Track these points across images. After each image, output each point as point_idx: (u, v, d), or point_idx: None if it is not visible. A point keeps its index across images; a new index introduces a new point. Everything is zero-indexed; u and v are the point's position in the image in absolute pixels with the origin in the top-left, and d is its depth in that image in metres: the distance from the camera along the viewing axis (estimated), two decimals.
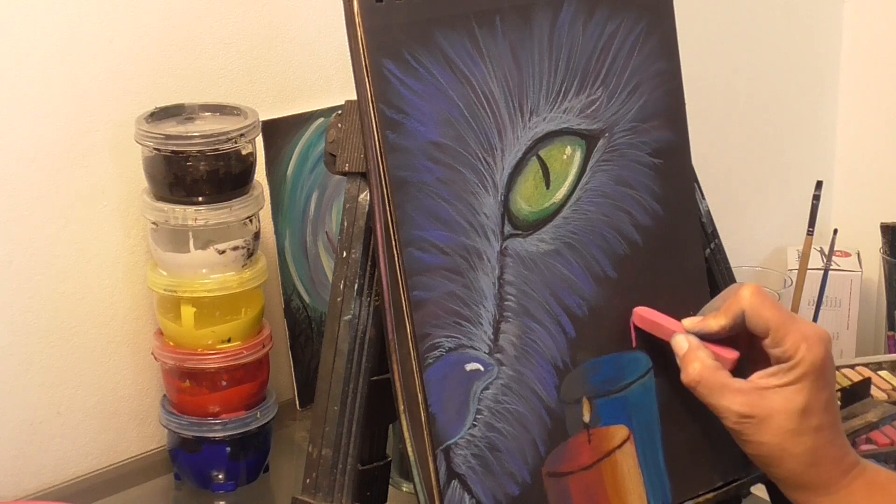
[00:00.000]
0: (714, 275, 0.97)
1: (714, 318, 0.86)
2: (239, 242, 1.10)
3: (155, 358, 1.14)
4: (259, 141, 1.15)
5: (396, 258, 0.80)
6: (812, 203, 1.44)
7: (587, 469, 0.87)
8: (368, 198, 0.84)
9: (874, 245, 1.58)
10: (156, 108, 1.11)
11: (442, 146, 0.82)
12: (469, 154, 0.83)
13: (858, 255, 1.61)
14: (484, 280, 0.84)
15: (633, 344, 0.91)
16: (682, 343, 0.86)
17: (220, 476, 1.14)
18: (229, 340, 1.11)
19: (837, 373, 1.29)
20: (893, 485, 0.85)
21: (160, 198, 1.09)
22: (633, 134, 0.91)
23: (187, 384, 1.12)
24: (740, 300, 0.85)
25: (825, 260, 1.53)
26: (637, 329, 0.91)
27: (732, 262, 1.00)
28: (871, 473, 0.85)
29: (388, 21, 0.80)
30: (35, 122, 1.10)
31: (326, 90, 1.27)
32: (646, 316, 0.90)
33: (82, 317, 1.16)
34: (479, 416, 0.83)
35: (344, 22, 0.80)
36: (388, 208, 0.80)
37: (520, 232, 0.86)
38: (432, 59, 0.82)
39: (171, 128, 1.09)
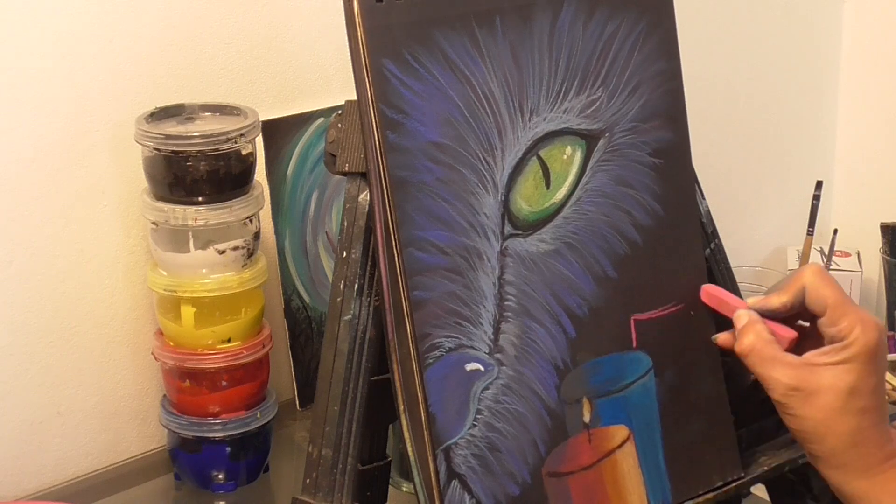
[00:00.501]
0: (714, 275, 0.97)
1: (776, 296, 0.88)
2: (239, 242, 1.10)
3: (155, 358, 1.14)
4: (259, 141, 1.15)
5: (396, 258, 0.80)
6: (812, 203, 1.44)
7: (587, 469, 0.87)
8: (368, 198, 0.84)
9: (874, 245, 1.58)
10: (156, 108, 1.11)
11: (442, 146, 0.82)
12: (469, 154, 0.83)
13: (858, 255, 1.61)
14: (484, 280, 0.84)
15: (634, 344, 0.91)
16: (743, 317, 0.88)
17: (220, 476, 1.14)
18: (229, 340, 1.11)
19: None
20: None
21: (160, 198, 1.09)
22: (633, 134, 0.91)
23: (187, 384, 1.12)
24: (802, 277, 0.87)
25: (825, 260, 1.53)
26: (637, 329, 0.91)
27: (732, 262, 1.00)
28: None
29: (388, 21, 0.80)
30: (35, 122, 1.10)
31: (326, 90, 1.27)
32: (712, 292, 0.92)
33: (82, 317, 1.16)
34: (479, 416, 0.83)
35: (344, 22, 0.80)
36: (388, 208, 0.80)
37: (520, 232, 0.86)
38: (432, 59, 0.82)
39: (171, 128, 1.09)
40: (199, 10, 1.17)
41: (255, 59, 1.22)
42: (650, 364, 0.91)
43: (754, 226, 1.68)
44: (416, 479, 0.82)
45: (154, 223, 1.10)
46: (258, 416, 1.14)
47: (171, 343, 1.12)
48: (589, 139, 0.89)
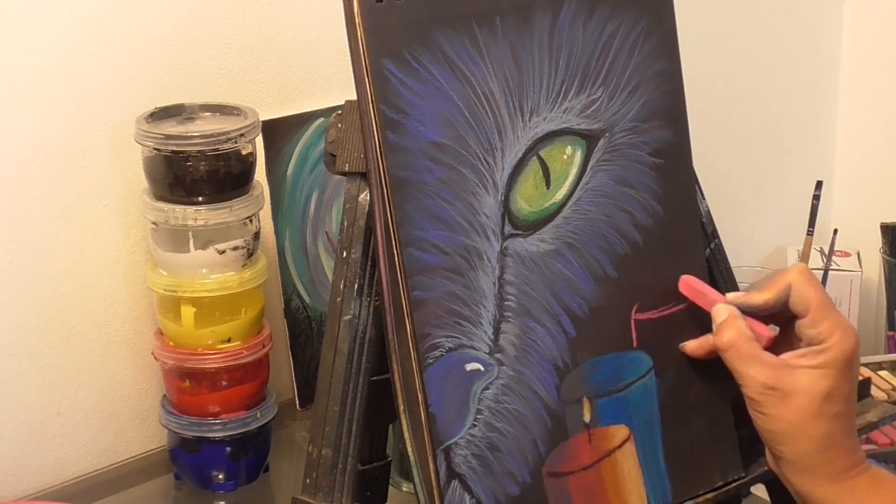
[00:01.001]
0: (714, 275, 0.97)
1: (759, 293, 0.88)
2: (239, 242, 1.10)
3: (155, 358, 1.14)
4: (259, 141, 1.15)
5: (396, 258, 0.80)
6: (812, 203, 1.44)
7: (587, 469, 0.87)
8: (368, 198, 0.84)
9: (874, 245, 1.58)
10: (156, 108, 1.11)
11: (442, 146, 0.82)
12: (469, 154, 0.83)
13: (858, 255, 1.61)
14: (484, 280, 0.84)
15: (634, 344, 0.91)
16: (723, 311, 0.88)
17: (220, 476, 1.14)
18: (229, 340, 1.11)
19: None
20: (895, 483, 0.86)
21: (160, 198, 1.09)
22: (633, 134, 0.91)
23: (187, 384, 1.12)
24: (788, 276, 0.87)
25: (825, 260, 1.53)
26: (637, 329, 0.91)
27: (732, 262, 1.00)
28: (875, 471, 0.86)
29: (388, 21, 0.80)
30: (35, 122, 1.10)
31: (326, 90, 1.27)
32: (691, 284, 0.91)
33: (82, 317, 1.16)
34: (479, 416, 0.83)
35: (344, 22, 0.80)
36: (388, 208, 0.80)
37: (520, 232, 0.86)
38: (432, 59, 0.82)
39: (171, 128, 1.09)
40: (199, 10, 1.17)
41: (255, 59, 1.22)
42: (651, 364, 0.91)
43: (754, 226, 1.68)
44: (416, 479, 0.82)
45: (154, 223, 1.10)
46: (258, 416, 1.14)
47: (171, 343, 1.12)
48: (589, 139, 0.89)
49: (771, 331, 0.88)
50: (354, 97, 0.81)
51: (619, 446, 0.89)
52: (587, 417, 0.88)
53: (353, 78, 0.80)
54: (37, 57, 1.09)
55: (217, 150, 1.07)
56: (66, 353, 1.15)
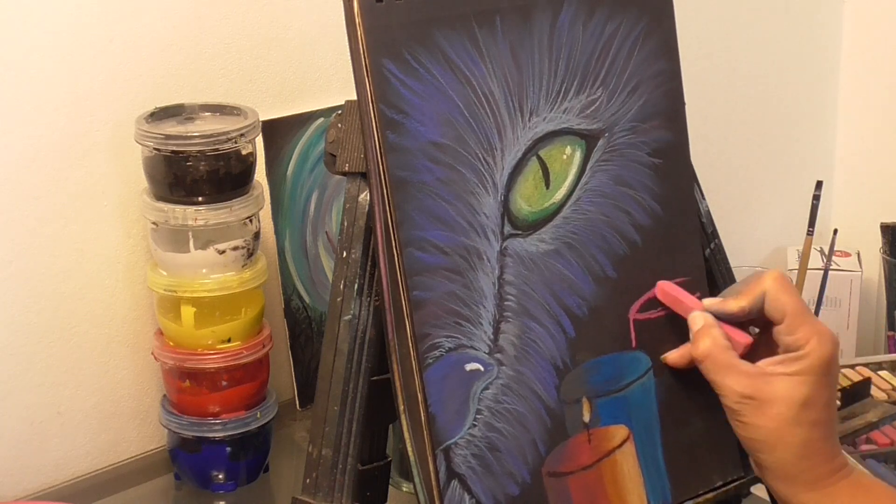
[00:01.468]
0: (714, 275, 0.97)
1: (734, 299, 0.87)
2: (239, 242, 1.10)
3: (155, 358, 1.14)
4: (259, 141, 1.15)
5: (396, 258, 0.80)
6: (812, 203, 1.44)
7: (587, 469, 0.87)
8: (368, 198, 0.84)
9: (874, 245, 1.58)
10: (156, 108, 1.11)
11: (442, 146, 0.82)
12: (469, 154, 0.83)
13: (858, 255, 1.61)
14: (484, 280, 0.84)
15: (633, 344, 0.91)
16: (698, 319, 0.88)
17: (220, 476, 1.14)
18: (229, 340, 1.11)
19: None
20: (877, 487, 0.86)
21: (160, 198, 1.09)
22: (632, 134, 0.91)
23: (187, 384, 1.12)
24: (762, 282, 0.86)
25: (825, 260, 1.53)
26: (636, 329, 0.91)
27: (732, 262, 1.00)
28: (857, 476, 0.86)
29: (388, 21, 0.80)
30: (35, 122, 1.10)
31: (326, 90, 1.27)
32: (668, 290, 0.91)
33: (82, 317, 1.16)
34: (478, 416, 0.83)
35: (344, 22, 0.80)
36: (388, 208, 0.80)
37: (520, 232, 0.86)
38: (432, 59, 0.82)
39: (171, 128, 1.09)
40: (199, 10, 1.17)
41: (255, 59, 1.22)
42: (650, 364, 0.91)
43: (754, 226, 1.68)
44: (416, 479, 0.82)
45: (154, 223, 1.10)
46: (258, 416, 1.14)
47: (171, 343, 1.12)
48: (588, 139, 0.89)
49: (749, 336, 0.87)
50: (354, 97, 0.82)
51: (619, 446, 0.89)
52: (587, 417, 0.88)
53: (353, 78, 0.80)
54: (37, 57, 1.09)
55: (217, 150, 1.07)
56: (66, 353, 1.15)
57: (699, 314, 0.88)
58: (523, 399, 0.85)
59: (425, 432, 0.80)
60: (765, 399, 0.83)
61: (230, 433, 1.13)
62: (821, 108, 1.73)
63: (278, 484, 1.18)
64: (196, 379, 1.12)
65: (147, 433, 1.21)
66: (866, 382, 1.20)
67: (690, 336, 0.88)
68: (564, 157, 0.88)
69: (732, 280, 0.99)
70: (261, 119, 1.13)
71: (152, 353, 1.15)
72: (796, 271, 1.46)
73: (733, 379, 0.84)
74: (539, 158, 0.87)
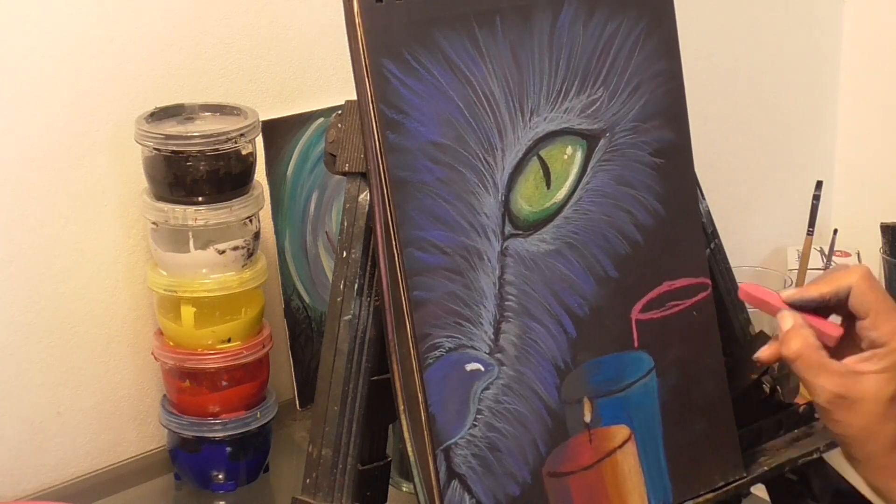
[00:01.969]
0: (714, 275, 0.97)
1: (816, 285, 0.87)
2: (239, 242, 1.10)
3: (155, 358, 1.14)
4: (259, 141, 1.15)
5: (396, 258, 0.80)
6: (812, 203, 1.44)
7: (588, 469, 0.87)
8: (368, 198, 0.84)
9: (874, 245, 1.57)
10: (156, 108, 1.11)
11: (442, 146, 0.82)
12: (469, 154, 0.83)
13: (858, 255, 1.61)
14: (484, 280, 0.84)
15: (635, 344, 0.91)
16: (788, 319, 0.87)
17: (220, 476, 1.14)
18: (229, 340, 1.11)
19: None
20: None
21: (160, 198, 1.09)
22: (634, 134, 0.91)
23: (187, 384, 1.12)
24: (850, 276, 0.87)
25: (825, 260, 1.53)
26: (639, 329, 0.91)
27: (732, 262, 1.00)
28: None
29: (388, 21, 0.80)
30: (35, 122, 1.10)
31: (326, 90, 1.27)
32: (750, 292, 0.90)
33: (82, 317, 1.16)
34: (479, 416, 0.83)
35: (344, 22, 0.80)
36: (388, 208, 0.80)
37: (520, 232, 0.86)
38: (432, 59, 0.82)
39: (171, 128, 1.09)
40: (199, 10, 1.17)
41: (255, 59, 1.22)
42: (652, 364, 0.91)
43: (754, 226, 1.68)
44: (416, 479, 0.82)
45: (154, 223, 1.10)
46: (258, 416, 1.14)
47: (171, 343, 1.12)
48: (590, 139, 0.89)
49: (839, 327, 0.87)
50: (354, 97, 0.82)
51: (620, 446, 0.89)
52: (588, 417, 0.88)
53: (353, 78, 0.80)
54: (37, 57, 1.09)
55: (217, 150, 1.07)
56: (66, 353, 1.15)
57: (787, 314, 0.88)
58: (524, 399, 0.85)
59: (425, 432, 0.80)
60: (855, 398, 0.84)
61: (230, 433, 1.12)
62: (821, 108, 1.73)
63: (278, 484, 1.18)
64: (196, 379, 1.12)
65: (147, 433, 1.21)
66: None
67: (779, 336, 0.88)
68: (565, 156, 0.88)
69: (732, 280, 0.99)
70: (261, 119, 1.13)
71: (152, 353, 1.15)
72: (796, 271, 1.46)
73: (825, 378, 0.85)
74: (540, 158, 0.87)
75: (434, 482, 0.81)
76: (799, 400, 0.88)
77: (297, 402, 1.27)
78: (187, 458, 1.14)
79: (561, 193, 0.88)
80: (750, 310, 1.02)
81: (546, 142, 0.87)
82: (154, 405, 1.19)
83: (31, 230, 1.11)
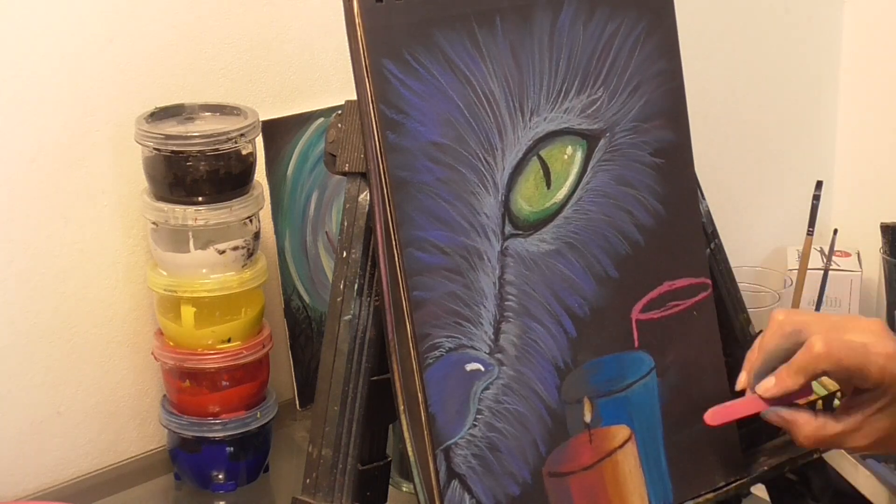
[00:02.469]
0: (714, 275, 0.97)
1: (790, 377, 0.87)
2: (239, 242, 1.10)
3: (155, 358, 1.14)
4: (259, 141, 1.15)
5: (396, 258, 0.80)
6: (812, 203, 1.44)
7: (588, 469, 0.87)
8: (368, 198, 0.84)
9: (874, 245, 1.57)
10: (156, 108, 1.11)
11: (442, 146, 0.82)
12: (469, 154, 0.83)
13: (858, 255, 1.61)
14: (484, 280, 0.84)
15: (636, 344, 0.91)
16: (775, 418, 0.89)
17: (220, 476, 1.14)
18: (229, 340, 1.11)
19: None
20: None
21: (160, 198, 1.09)
22: (634, 134, 0.91)
23: (187, 384, 1.12)
24: (818, 362, 0.86)
25: (825, 260, 1.53)
26: (639, 329, 0.91)
27: (732, 262, 1.00)
28: None
29: (388, 21, 0.80)
30: (35, 122, 1.10)
31: (326, 90, 1.27)
32: (720, 413, 0.90)
33: (82, 317, 1.16)
34: (479, 416, 0.83)
35: (344, 22, 0.80)
36: (388, 208, 0.80)
37: (520, 232, 0.86)
38: (432, 59, 0.82)
39: (171, 128, 1.09)
40: (199, 10, 1.17)
41: (255, 59, 1.22)
42: (652, 364, 0.91)
43: (754, 226, 1.68)
44: (416, 479, 0.82)
45: (154, 223, 1.10)
46: (258, 416, 1.14)
47: (171, 343, 1.12)
48: (590, 139, 0.89)
49: (811, 390, 0.89)
50: (354, 97, 0.82)
51: (620, 446, 0.89)
52: (588, 417, 0.88)
53: (353, 78, 0.80)
54: (37, 57, 1.09)
55: (217, 150, 1.07)
56: (66, 353, 1.15)
57: (771, 412, 0.89)
58: (524, 399, 0.85)
59: (425, 432, 0.80)
60: (883, 437, 0.87)
61: (230, 433, 1.12)
62: (821, 108, 1.73)
63: (278, 484, 1.18)
64: (196, 379, 1.12)
65: (147, 433, 1.21)
66: None
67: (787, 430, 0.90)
68: (565, 156, 0.88)
69: (732, 280, 0.99)
70: (261, 119, 1.13)
71: (152, 353, 1.15)
72: (796, 271, 1.46)
73: (850, 441, 0.88)
74: (540, 158, 0.87)
75: (434, 482, 0.81)
76: (800, 400, 0.88)
77: (297, 402, 1.27)
78: (187, 458, 1.14)
79: (561, 193, 0.88)
80: (750, 309, 1.02)
81: (546, 142, 0.87)
82: (154, 405, 1.19)
83: (31, 230, 1.11)
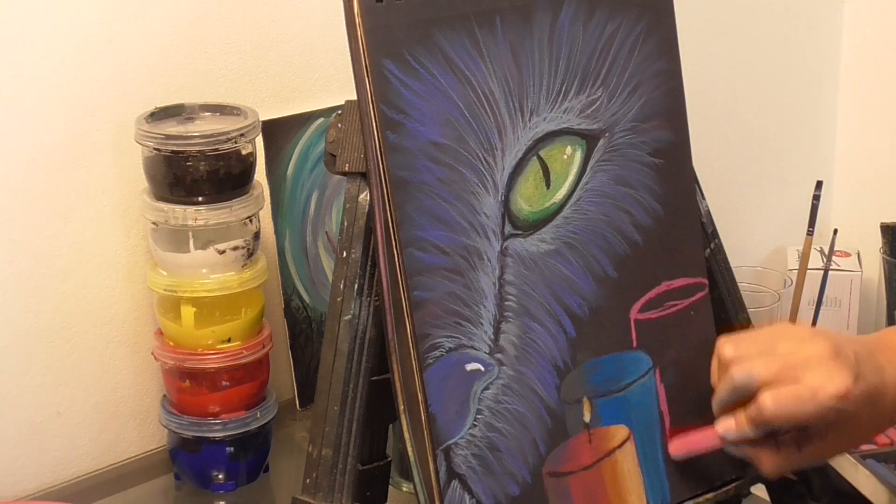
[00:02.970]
0: (714, 275, 0.97)
1: (748, 427, 0.87)
2: (239, 242, 1.10)
3: (155, 358, 1.14)
4: (259, 141, 1.15)
5: (396, 258, 0.80)
6: (812, 203, 1.44)
7: (588, 469, 0.87)
8: (368, 198, 0.84)
9: (874, 245, 1.57)
10: (156, 108, 1.11)
11: (442, 146, 0.82)
12: (469, 154, 0.83)
13: (858, 255, 1.61)
14: (484, 280, 0.84)
15: (634, 344, 0.91)
16: (738, 453, 0.89)
17: (220, 476, 1.14)
18: (229, 340, 1.11)
19: None
20: None
21: (160, 198, 1.09)
22: (633, 134, 0.91)
23: (187, 384, 1.12)
24: (771, 419, 0.85)
25: (825, 260, 1.53)
26: (637, 329, 0.91)
27: (732, 262, 1.00)
28: None
29: (388, 21, 0.80)
30: (35, 122, 1.10)
31: (326, 90, 1.27)
32: (683, 445, 0.91)
33: (82, 317, 1.16)
34: (479, 416, 0.83)
35: (344, 22, 0.80)
36: (388, 208, 0.80)
37: (520, 232, 0.86)
38: (432, 59, 0.82)
39: (171, 128, 1.09)
40: (199, 10, 1.17)
41: (255, 59, 1.22)
42: (650, 364, 0.91)
43: (754, 226, 1.68)
44: (416, 479, 0.82)
45: (154, 223, 1.10)
46: (258, 416, 1.14)
47: (171, 343, 1.12)
48: (589, 139, 0.89)
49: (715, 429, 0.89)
50: (354, 97, 0.82)
51: (619, 446, 0.89)
52: (587, 417, 0.88)
53: (353, 78, 0.80)
54: (37, 57, 1.09)
55: (217, 150, 1.07)
56: (66, 353, 1.15)
57: (734, 449, 0.89)
58: (524, 399, 0.85)
59: (425, 432, 0.80)
60: (844, 449, 0.91)
61: (230, 433, 1.13)
62: (821, 108, 1.73)
63: (278, 484, 1.18)
64: (196, 379, 1.12)
65: (147, 433, 1.21)
66: None
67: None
68: (565, 156, 0.88)
69: (732, 280, 0.99)
70: (261, 119, 1.13)
71: (152, 353, 1.15)
72: (796, 271, 1.46)
73: (815, 460, 0.90)
74: (539, 158, 0.87)
75: (434, 482, 0.81)
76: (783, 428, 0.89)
77: (297, 402, 1.27)
78: (187, 458, 1.14)
79: (560, 193, 0.88)
80: (750, 309, 1.02)
81: (546, 142, 0.87)
82: (154, 405, 1.20)
83: (31, 230, 1.11)
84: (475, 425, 0.83)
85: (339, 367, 0.86)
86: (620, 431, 0.89)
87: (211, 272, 1.10)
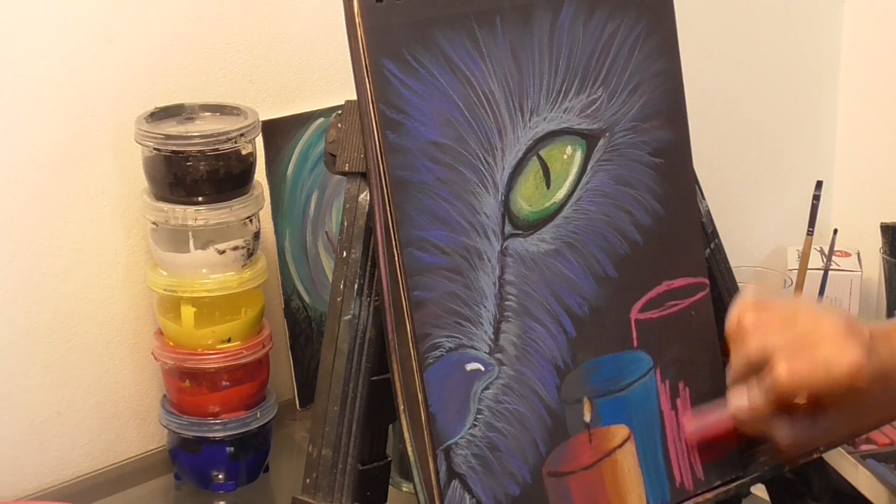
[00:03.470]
0: (714, 275, 0.97)
1: (762, 402, 0.86)
2: (239, 242, 1.10)
3: (155, 358, 1.14)
4: (259, 141, 1.15)
5: (396, 258, 0.80)
6: (812, 203, 1.44)
7: (588, 469, 0.87)
8: (368, 198, 0.84)
9: (874, 245, 1.57)
10: (156, 108, 1.11)
11: (442, 146, 0.82)
12: (469, 154, 0.83)
13: (858, 255, 1.61)
14: (484, 280, 0.84)
15: (634, 344, 0.91)
16: (752, 432, 0.89)
17: (220, 476, 1.14)
18: (229, 340, 1.11)
19: None
20: None
21: (160, 198, 1.09)
22: (633, 133, 0.91)
23: (187, 384, 1.12)
24: (786, 390, 0.85)
25: (825, 260, 1.53)
26: (638, 329, 0.91)
27: (732, 262, 1.00)
28: None
29: (388, 21, 0.80)
30: (35, 122, 1.10)
31: (326, 90, 1.27)
32: (695, 429, 0.91)
33: (82, 317, 1.16)
34: (479, 416, 0.83)
35: (344, 22, 0.80)
36: (388, 208, 0.80)
37: (520, 232, 0.86)
38: (432, 59, 0.82)
39: (171, 128, 1.09)
40: (199, 10, 1.17)
41: (255, 59, 1.22)
42: (651, 363, 0.91)
43: (754, 226, 1.68)
44: (416, 479, 0.82)
45: (154, 223, 1.10)
46: (258, 416, 1.14)
47: (171, 343, 1.12)
48: (589, 139, 0.89)
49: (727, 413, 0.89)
50: (354, 97, 0.82)
51: (620, 446, 0.89)
52: (587, 417, 0.88)
53: (353, 78, 0.80)
54: (37, 57, 1.09)
55: (217, 150, 1.07)
56: (66, 353, 1.15)
57: (748, 427, 0.88)
58: (524, 399, 0.85)
59: (425, 432, 0.80)
60: (859, 428, 0.91)
61: (230, 433, 1.13)
62: (821, 108, 1.73)
63: (278, 484, 1.18)
64: (196, 379, 1.12)
65: (147, 433, 1.21)
66: None
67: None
68: (565, 156, 0.88)
69: (732, 280, 0.99)
70: (261, 119, 1.13)
71: (152, 353, 1.15)
72: (796, 271, 1.46)
73: (831, 438, 0.90)
74: (540, 158, 0.87)
75: (434, 482, 0.81)
76: (798, 399, 0.88)
77: (297, 402, 1.27)
78: (187, 458, 1.14)
79: (560, 193, 0.88)
80: None
81: (546, 141, 0.87)
82: (154, 405, 1.20)
83: (31, 230, 1.11)
84: (475, 425, 0.83)
85: (339, 367, 0.86)
86: (621, 431, 0.89)
87: (211, 272, 1.10)
